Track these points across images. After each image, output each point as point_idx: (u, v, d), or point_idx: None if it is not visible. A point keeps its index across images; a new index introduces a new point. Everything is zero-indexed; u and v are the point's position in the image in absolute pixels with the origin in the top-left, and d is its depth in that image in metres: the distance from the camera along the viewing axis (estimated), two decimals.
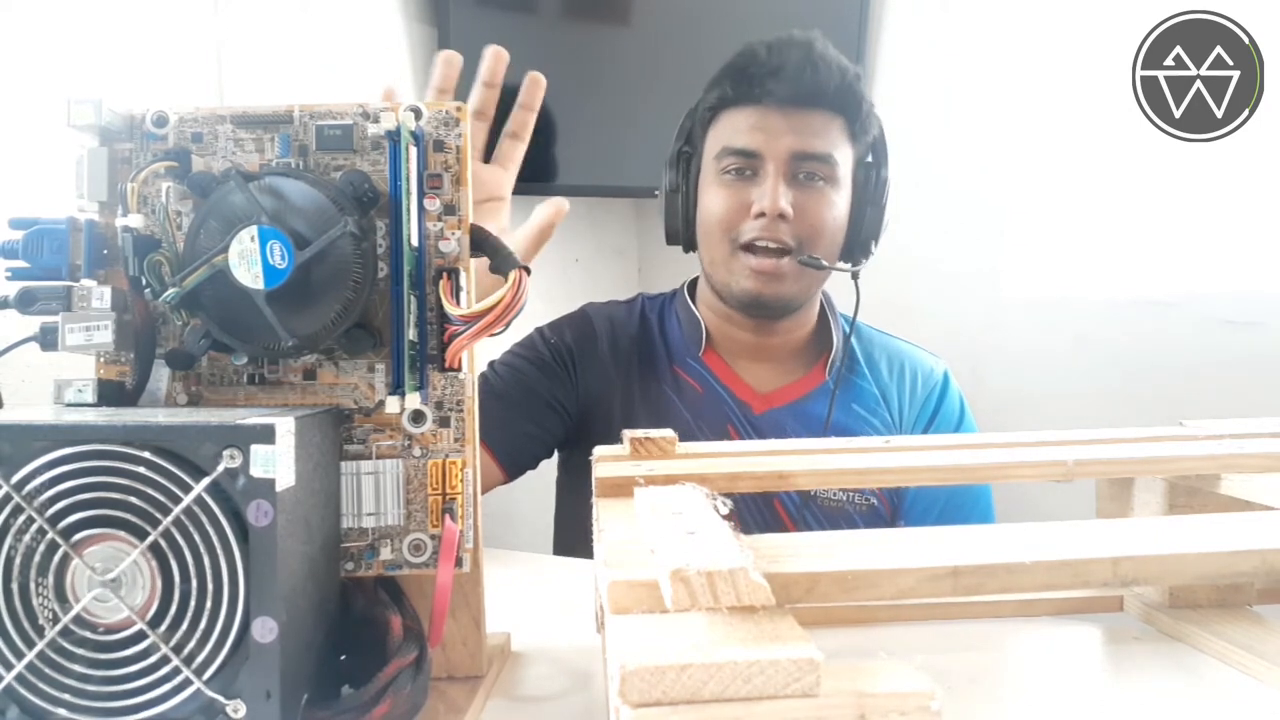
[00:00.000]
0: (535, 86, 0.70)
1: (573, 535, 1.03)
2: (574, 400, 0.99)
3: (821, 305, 1.02)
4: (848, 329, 0.99)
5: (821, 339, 1.01)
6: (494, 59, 0.68)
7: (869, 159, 0.95)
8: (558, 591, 0.67)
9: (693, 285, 1.05)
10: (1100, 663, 0.49)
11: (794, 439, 0.62)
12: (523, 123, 0.71)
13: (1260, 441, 0.53)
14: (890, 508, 0.95)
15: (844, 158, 0.92)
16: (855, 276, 0.94)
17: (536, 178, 1.55)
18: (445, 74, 0.66)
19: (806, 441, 0.59)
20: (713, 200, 0.93)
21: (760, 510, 0.91)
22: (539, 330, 1.04)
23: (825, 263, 0.91)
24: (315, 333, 0.41)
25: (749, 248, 0.91)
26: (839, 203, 0.92)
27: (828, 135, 0.90)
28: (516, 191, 1.71)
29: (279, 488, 0.34)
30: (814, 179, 0.90)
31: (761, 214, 0.89)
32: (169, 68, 1.01)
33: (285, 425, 0.35)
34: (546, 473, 1.06)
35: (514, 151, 0.72)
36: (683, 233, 0.97)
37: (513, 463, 0.94)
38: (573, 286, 1.19)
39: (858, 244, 0.94)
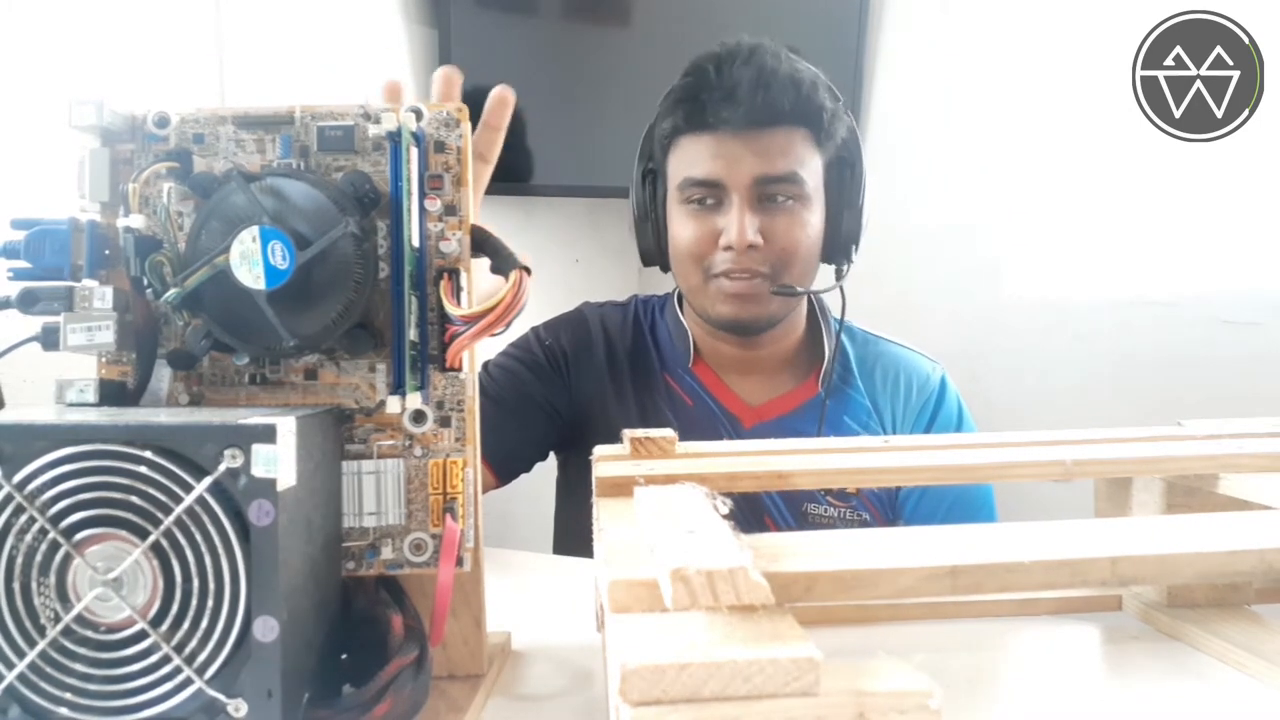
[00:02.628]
0: (502, 106, 0.62)
1: (572, 536, 1.03)
2: (567, 403, 0.98)
3: (813, 311, 1.00)
4: (838, 333, 0.98)
5: (814, 348, 0.99)
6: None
7: (843, 155, 0.92)
8: (558, 591, 0.67)
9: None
10: (1098, 662, 0.49)
11: (793, 439, 0.62)
12: (488, 143, 0.62)
13: (1258, 441, 0.54)
14: (884, 522, 0.94)
15: (811, 170, 0.90)
16: (840, 283, 0.92)
17: (536, 178, 1.55)
18: (446, 92, 0.60)
19: (806, 441, 0.59)
20: (680, 231, 0.91)
21: (750, 526, 0.90)
22: (534, 330, 1.03)
23: (799, 289, 0.89)
24: (316, 333, 0.41)
25: (722, 275, 0.89)
26: (810, 220, 0.90)
27: (790, 153, 0.88)
28: (516, 193, 1.71)
29: (280, 487, 0.34)
30: (779, 200, 0.88)
31: (730, 246, 0.87)
32: (170, 69, 1.01)
33: (286, 425, 0.35)
34: (545, 473, 1.06)
35: (480, 175, 0.63)
36: (657, 256, 0.96)
37: (505, 467, 0.94)
38: (573, 286, 1.19)
39: (838, 249, 0.92)
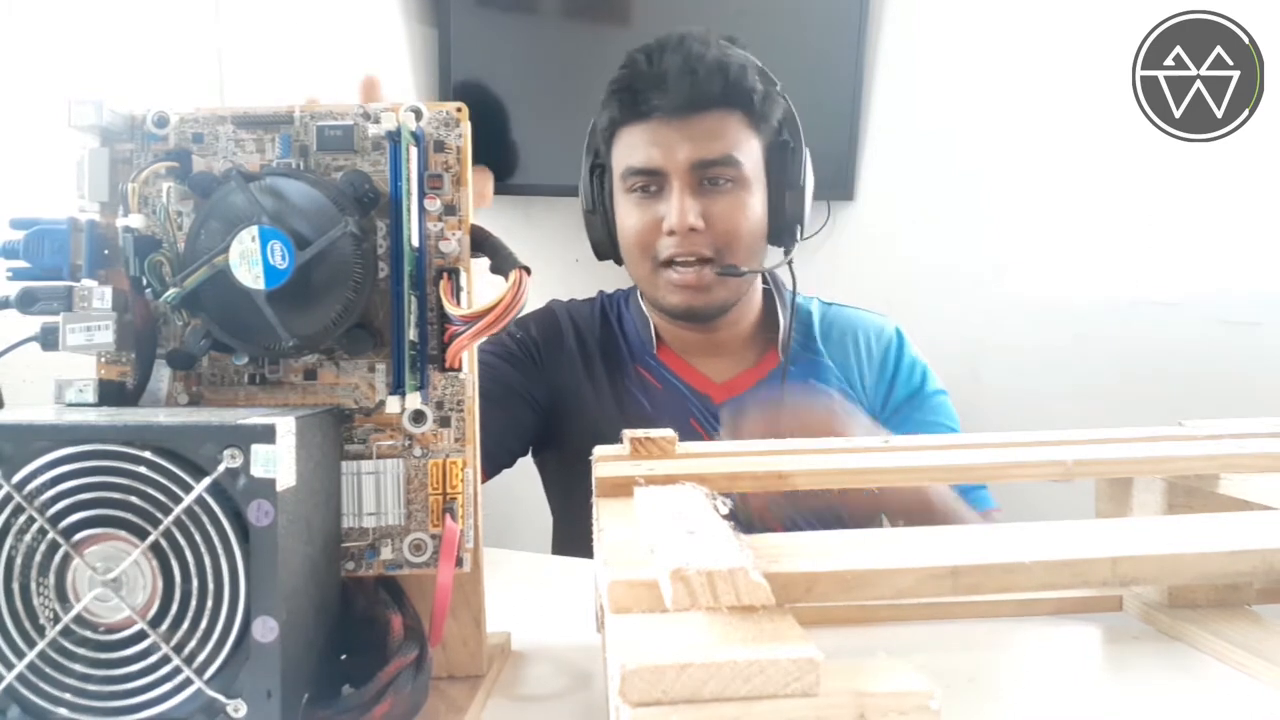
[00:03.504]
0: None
1: (568, 537, 1.03)
2: (543, 391, 0.99)
3: (767, 290, 1.02)
4: (793, 306, 0.99)
5: (771, 326, 1.01)
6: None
7: (781, 139, 0.93)
8: (558, 591, 0.67)
9: None
10: (1099, 662, 0.49)
11: (793, 440, 0.62)
12: None
13: (1259, 441, 0.53)
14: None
15: (748, 152, 0.91)
16: (790, 264, 0.93)
17: (536, 178, 1.55)
18: (368, 95, 0.53)
19: (806, 441, 0.59)
20: (626, 220, 0.94)
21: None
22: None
23: (744, 269, 0.91)
24: (316, 333, 0.41)
25: (669, 263, 0.91)
26: (751, 201, 0.92)
27: (725, 136, 0.90)
28: (515, 192, 1.70)
29: (280, 487, 0.34)
30: (720, 183, 0.90)
31: (673, 231, 0.89)
32: (170, 68, 1.01)
33: (286, 425, 0.35)
34: None
35: None
36: (609, 249, 0.98)
37: (490, 460, 0.94)
38: (573, 286, 1.19)
39: (784, 229, 0.94)
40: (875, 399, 0.98)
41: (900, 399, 0.98)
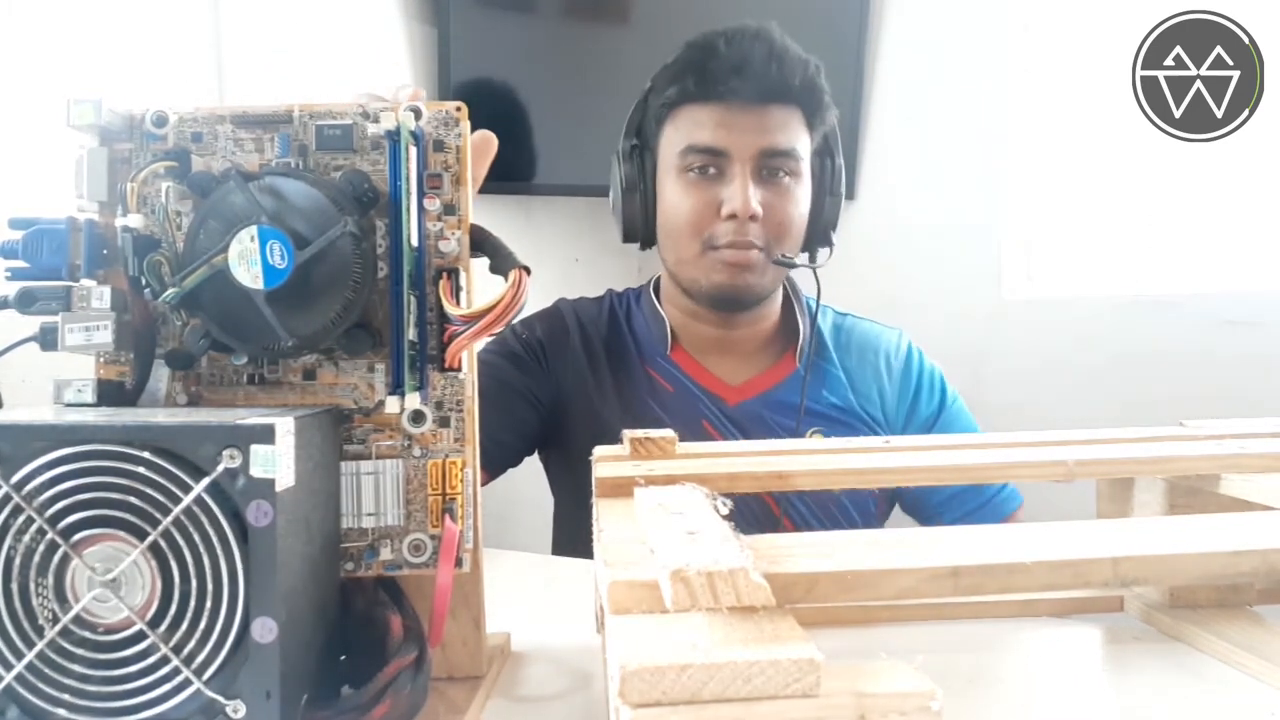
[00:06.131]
0: (482, 154, 0.52)
1: (568, 538, 1.03)
2: (548, 392, 0.98)
3: (786, 293, 1.02)
4: (814, 313, 1.01)
5: (788, 327, 1.01)
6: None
7: (829, 144, 0.95)
8: (558, 591, 0.67)
9: (658, 282, 1.05)
10: (1100, 663, 0.49)
11: (792, 439, 0.62)
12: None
13: (1261, 441, 0.53)
14: (882, 497, 0.97)
15: (805, 150, 0.93)
16: (814, 271, 0.95)
17: (536, 178, 1.55)
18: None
19: (805, 442, 0.59)
20: (679, 200, 0.92)
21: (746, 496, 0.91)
22: (510, 327, 1.03)
23: (799, 262, 0.92)
24: (315, 333, 0.41)
25: (718, 247, 0.91)
26: (802, 197, 0.93)
27: (790, 129, 0.91)
28: (516, 192, 1.70)
29: (279, 488, 0.34)
30: (779, 174, 0.91)
31: (732, 215, 0.89)
32: (169, 68, 1.01)
33: (285, 425, 0.35)
34: (544, 474, 1.06)
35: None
36: (642, 231, 0.97)
37: (492, 461, 0.93)
38: (573, 286, 1.19)
39: (818, 233, 0.95)
40: (897, 416, 0.98)
41: (927, 416, 0.98)
